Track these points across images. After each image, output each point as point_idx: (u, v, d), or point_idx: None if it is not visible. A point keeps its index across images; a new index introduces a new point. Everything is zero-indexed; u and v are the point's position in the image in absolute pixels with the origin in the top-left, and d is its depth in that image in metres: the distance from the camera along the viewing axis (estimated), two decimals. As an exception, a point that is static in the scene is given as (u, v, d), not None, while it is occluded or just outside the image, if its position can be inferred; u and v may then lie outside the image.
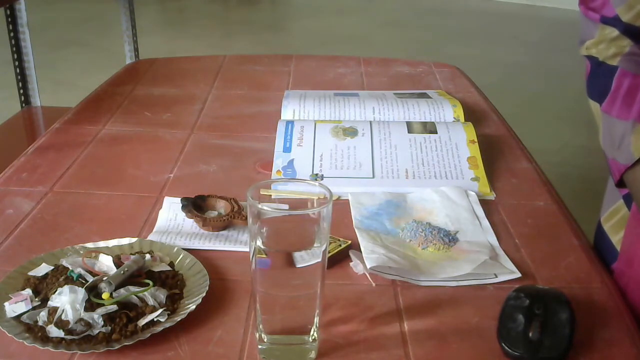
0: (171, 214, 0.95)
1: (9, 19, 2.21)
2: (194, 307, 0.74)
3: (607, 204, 0.97)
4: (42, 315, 0.71)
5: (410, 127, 1.15)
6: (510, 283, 0.81)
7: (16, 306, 0.73)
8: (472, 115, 1.28)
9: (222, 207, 0.95)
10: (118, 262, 0.79)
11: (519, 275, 0.83)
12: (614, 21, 0.86)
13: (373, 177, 1.05)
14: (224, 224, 0.91)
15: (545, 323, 0.70)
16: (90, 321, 0.70)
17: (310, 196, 0.68)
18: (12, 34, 2.22)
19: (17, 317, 0.72)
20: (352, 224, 0.93)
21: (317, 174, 1.05)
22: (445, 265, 0.84)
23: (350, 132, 1.13)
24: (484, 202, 1.00)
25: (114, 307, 0.71)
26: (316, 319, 0.68)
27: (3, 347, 0.69)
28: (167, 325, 0.71)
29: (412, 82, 1.51)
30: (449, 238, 0.89)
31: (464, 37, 4.92)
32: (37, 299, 0.74)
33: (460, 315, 0.76)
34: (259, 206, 0.65)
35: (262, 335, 0.69)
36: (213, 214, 0.94)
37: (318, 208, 0.66)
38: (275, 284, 0.67)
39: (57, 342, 0.68)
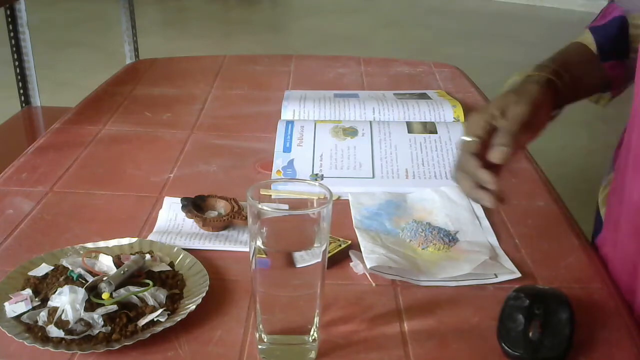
0: (171, 214, 0.95)
1: (9, 19, 2.21)
2: (194, 307, 0.74)
3: (603, 182, 0.98)
4: (42, 315, 0.71)
5: (410, 127, 1.15)
6: (510, 283, 0.81)
7: (16, 306, 0.73)
8: (472, 115, 1.28)
9: (222, 207, 0.95)
10: (118, 262, 0.79)
11: (518, 275, 0.83)
12: None
13: (373, 177, 1.05)
14: (224, 224, 0.91)
15: (545, 323, 0.70)
16: (90, 321, 0.70)
17: (310, 196, 0.68)
18: (12, 34, 2.22)
19: (17, 317, 0.72)
20: (352, 224, 0.93)
21: (317, 174, 1.05)
22: (445, 265, 0.84)
23: (350, 132, 1.13)
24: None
25: (114, 307, 0.71)
26: (316, 319, 0.68)
27: (3, 347, 0.69)
28: (167, 325, 0.71)
29: (412, 82, 1.51)
30: (449, 238, 0.89)
31: (464, 37, 4.92)
32: (37, 299, 0.74)
33: (460, 315, 0.76)
34: (259, 206, 0.65)
35: (262, 335, 0.69)
36: (213, 214, 0.94)
37: (318, 208, 0.66)
38: (275, 284, 0.67)
39: (57, 342, 0.68)
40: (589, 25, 0.98)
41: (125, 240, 0.86)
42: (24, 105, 2.29)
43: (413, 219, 0.94)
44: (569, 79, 0.88)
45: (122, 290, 0.74)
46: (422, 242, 0.88)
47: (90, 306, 0.71)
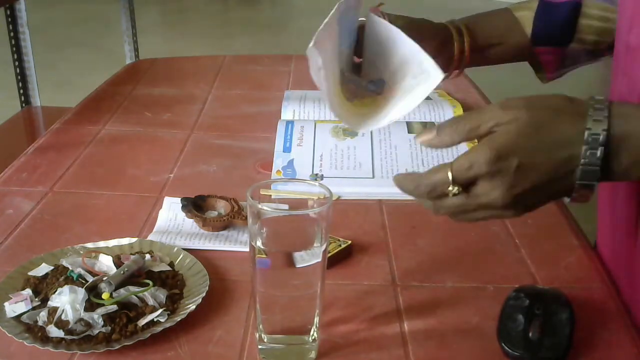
0: (171, 214, 0.95)
1: (9, 19, 2.21)
2: (194, 307, 0.74)
3: None
4: (42, 315, 0.71)
5: (410, 127, 1.15)
6: (509, 283, 0.81)
7: (16, 306, 0.73)
8: (472, 115, 1.28)
9: (222, 207, 0.95)
10: (118, 262, 0.79)
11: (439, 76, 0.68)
12: None
13: (373, 177, 1.05)
14: (224, 224, 0.91)
15: (545, 323, 0.70)
16: (90, 321, 0.70)
17: (310, 196, 0.68)
18: (12, 34, 2.22)
19: (17, 317, 0.72)
20: (352, 224, 0.93)
21: (317, 174, 1.05)
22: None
23: (350, 132, 1.13)
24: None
25: (114, 307, 0.71)
26: (316, 319, 0.68)
27: (3, 347, 0.69)
28: (167, 325, 0.71)
29: (412, 82, 1.51)
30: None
31: (464, 37, 4.90)
32: (37, 299, 0.74)
33: (460, 315, 0.76)
34: (259, 206, 0.65)
35: (262, 335, 0.69)
36: (213, 214, 0.94)
37: (318, 208, 0.66)
38: (275, 284, 0.67)
39: (57, 342, 0.68)
40: None
41: (125, 240, 0.86)
42: (24, 105, 2.29)
43: None
44: (470, 40, 0.91)
45: (122, 290, 0.74)
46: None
47: (90, 306, 0.71)
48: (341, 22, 0.73)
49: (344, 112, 0.71)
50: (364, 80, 0.75)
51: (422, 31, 0.86)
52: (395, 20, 0.84)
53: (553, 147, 0.58)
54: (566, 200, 0.62)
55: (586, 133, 0.57)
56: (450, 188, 0.60)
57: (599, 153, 0.57)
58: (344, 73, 0.73)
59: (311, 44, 0.63)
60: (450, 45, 0.89)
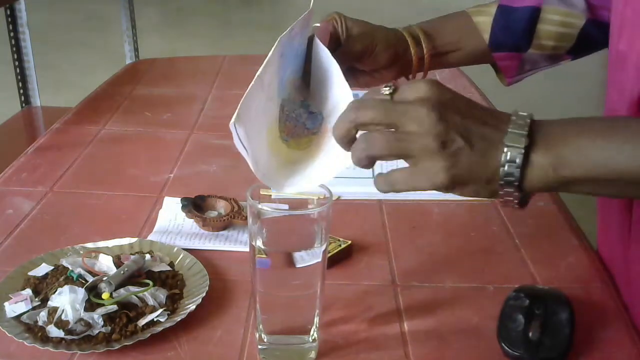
0: (171, 214, 0.95)
1: (9, 19, 2.21)
2: (194, 307, 0.74)
3: None
4: (42, 315, 0.71)
5: (410, 127, 1.15)
6: (509, 283, 0.81)
7: (16, 306, 0.73)
8: (472, 115, 1.28)
9: (222, 207, 0.95)
10: (118, 262, 0.79)
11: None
12: None
13: (373, 177, 1.05)
14: (224, 224, 0.91)
15: (545, 323, 0.70)
16: (90, 321, 0.70)
17: (310, 196, 0.68)
18: (12, 34, 2.22)
19: (17, 317, 0.72)
20: (352, 224, 0.93)
21: (317, 174, 1.05)
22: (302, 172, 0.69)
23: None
24: (483, 204, 0.99)
25: (114, 307, 0.71)
26: (316, 319, 0.68)
27: (3, 347, 0.69)
28: (167, 325, 0.71)
29: (412, 82, 1.51)
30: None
31: (464, 37, 4.90)
32: (37, 299, 0.74)
33: (460, 315, 0.76)
34: (259, 206, 0.65)
35: (262, 335, 0.69)
36: (213, 214, 0.94)
37: (318, 208, 0.66)
38: (275, 284, 0.67)
39: (57, 342, 0.68)
40: (502, 2, 0.91)
41: (125, 240, 0.86)
42: (24, 105, 2.29)
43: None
44: (430, 45, 0.90)
45: (122, 290, 0.74)
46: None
47: (90, 306, 0.71)
48: (285, 52, 0.71)
49: (271, 170, 0.67)
50: (304, 114, 0.72)
51: (376, 40, 0.86)
52: (351, 27, 0.84)
53: (484, 112, 0.60)
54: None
55: (512, 117, 0.60)
56: (385, 87, 0.61)
57: (526, 121, 0.59)
58: (284, 108, 0.72)
59: (233, 119, 0.61)
60: (407, 53, 0.89)
